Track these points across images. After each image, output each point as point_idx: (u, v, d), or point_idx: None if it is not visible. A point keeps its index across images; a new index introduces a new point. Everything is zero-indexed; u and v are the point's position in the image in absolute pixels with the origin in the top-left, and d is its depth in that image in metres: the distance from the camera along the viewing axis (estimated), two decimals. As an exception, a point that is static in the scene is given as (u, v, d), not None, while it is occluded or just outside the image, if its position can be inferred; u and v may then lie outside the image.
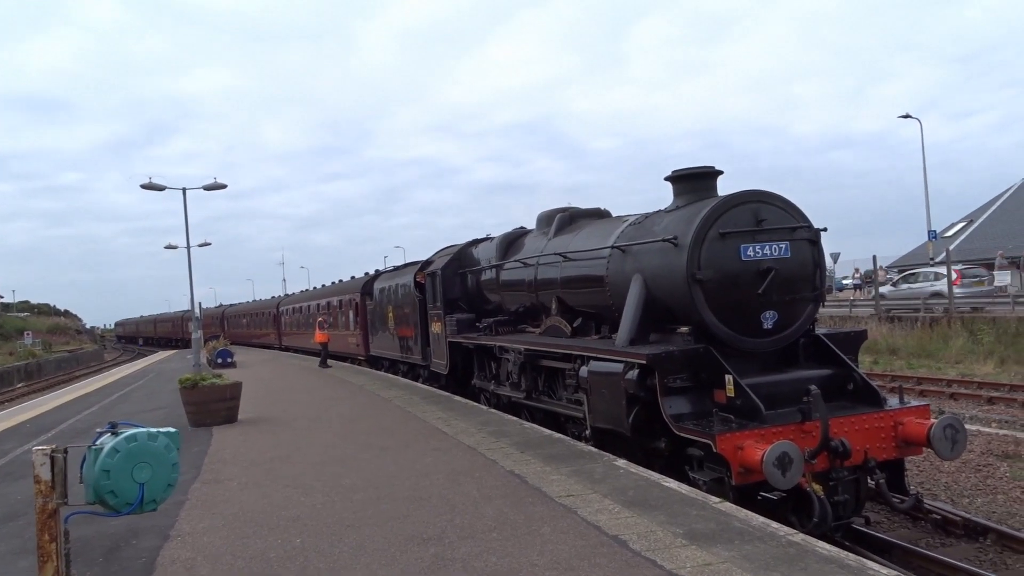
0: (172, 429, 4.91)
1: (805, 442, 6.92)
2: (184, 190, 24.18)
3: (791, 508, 7.05)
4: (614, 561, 4.95)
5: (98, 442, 4.70)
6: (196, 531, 6.31)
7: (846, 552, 5.08)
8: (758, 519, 5.75)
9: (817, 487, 6.98)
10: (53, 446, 4.46)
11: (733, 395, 7.45)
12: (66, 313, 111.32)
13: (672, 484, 6.86)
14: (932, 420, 7.44)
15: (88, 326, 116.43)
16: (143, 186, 23.16)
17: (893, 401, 7.84)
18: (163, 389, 20.94)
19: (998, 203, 43.96)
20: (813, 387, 7.06)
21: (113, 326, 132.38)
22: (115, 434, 4.73)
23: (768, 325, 8.04)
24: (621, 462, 7.79)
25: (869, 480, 7.40)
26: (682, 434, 7.46)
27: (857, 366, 8.35)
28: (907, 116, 40.55)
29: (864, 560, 4.93)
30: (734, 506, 6.16)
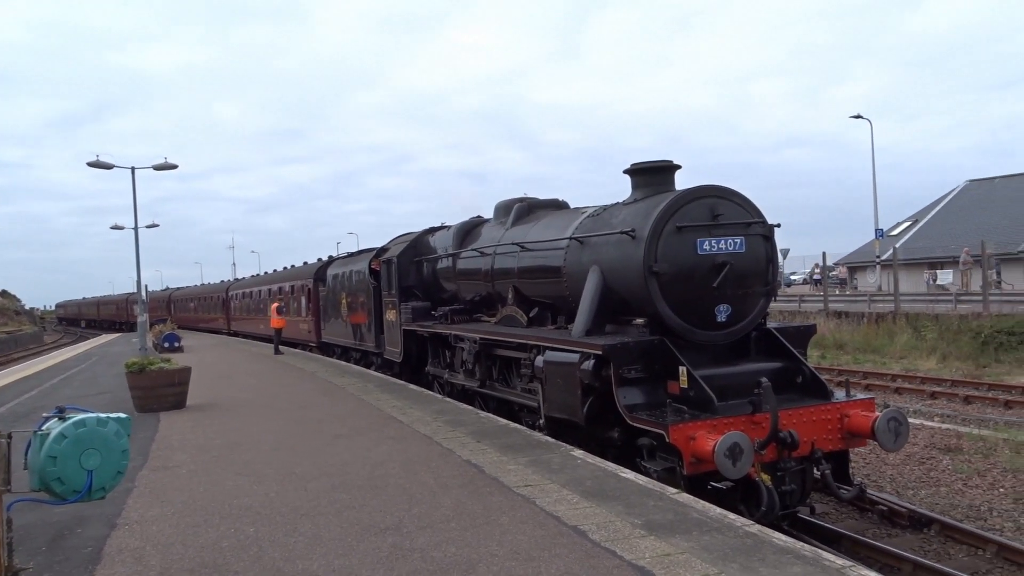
0: (122, 415, 4.76)
1: (755, 433, 7.05)
2: (133, 169, 23.55)
3: (740, 497, 7.18)
4: (574, 551, 4.94)
5: (44, 427, 4.54)
6: (145, 519, 6.14)
7: (802, 543, 5.15)
8: (715, 510, 5.79)
9: (765, 477, 7.12)
10: (-4, 431, 4.28)
11: (686, 386, 7.57)
12: (4, 293, 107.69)
13: (629, 475, 6.88)
14: (877, 413, 7.62)
15: (28, 307, 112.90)
16: (90, 164, 22.48)
17: (840, 394, 8.03)
18: (107, 373, 20.42)
19: (941, 204, 45.14)
20: (764, 380, 7.20)
21: (54, 308, 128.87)
22: (62, 419, 4.57)
23: (722, 318, 8.17)
24: (578, 452, 7.80)
25: (815, 470, 7.56)
26: (636, 424, 7.53)
27: (806, 360, 8.52)
28: (858, 117, 41.37)
29: (819, 551, 5.00)
30: (691, 497, 6.20)
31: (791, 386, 8.13)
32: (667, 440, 7.00)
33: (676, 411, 7.46)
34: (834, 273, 43.77)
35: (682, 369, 7.61)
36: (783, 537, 5.19)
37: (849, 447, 7.91)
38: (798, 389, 8.12)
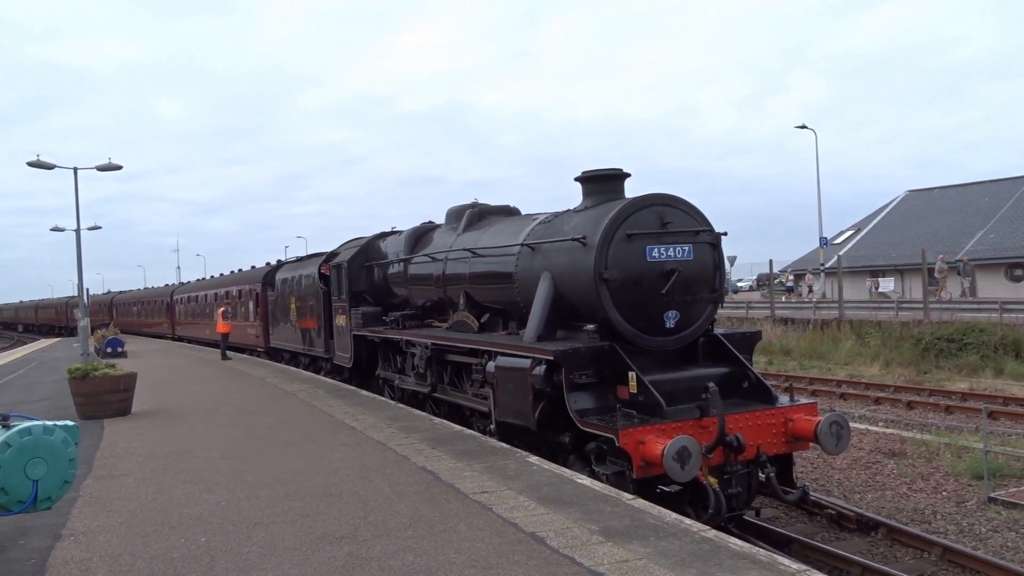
0: (70, 422, 4.64)
1: (703, 437, 7.19)
2: (75, 170, 22.89)
3: (688, 500, 7.30)
4: (533, 559, 4.93)
5: (-13, 435, 4.38)
6: (91, 530, 5.95)
7: (757, 548, 5.21)
8: (671, 515, 5.83)
9: (712, 480, 7.26)
10: (-64, 440, 4.11)
11: (636, 391, 7.69)
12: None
13: (585, 481, 6.90)
14: (819, 417, 7.82)
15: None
16: (30, 164, 21.76)
17: (784, 399, 8.22)
18: (46, 379, 19.83)
19: (883, 214, 46.35)
20: (711, 384, 7.34)
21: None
22: (6, 427, 4.44)
23: (670, 324, 8.33)
24: (534, 459, 7.80)
25: (760, 473, 7.71)
26: (587, 429, 7.63)
27: (752, 365, 8.70)
28: (803, 127, 42.25)
29: (775, 555, 5.07)
30: (647, 503, 6.24)
31: (737, 391, 8.30)
32: (617, 444, 7.10)
33: (626, 416, 7.54)
34: (789, 282, 44.17)
35: (632, 374, 7.73)
36: (739, 542, 5.25)
37: (793, 450, 8.09)
38: (744, 394, 8.29)
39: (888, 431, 13.55)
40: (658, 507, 6.11)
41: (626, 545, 5.13)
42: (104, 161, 23.36)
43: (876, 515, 8.74)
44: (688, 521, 5.72)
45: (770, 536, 7.98)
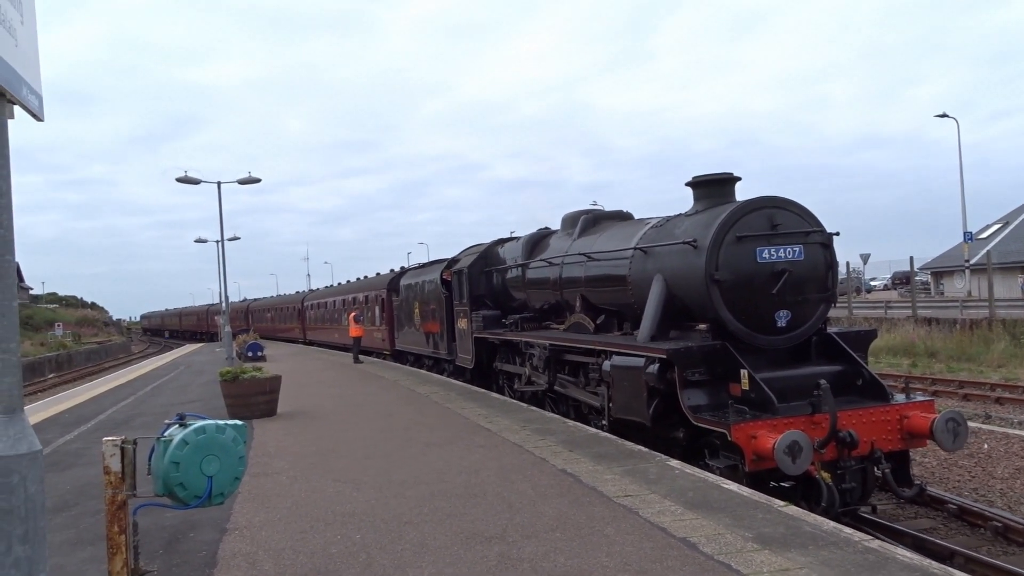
0: (239, 422, 4.84)
1: (815, 432, 7.32)
2: (219, 184, 24.23)
3: (801, 494, 7.36)
4: (688, 564, 4.82)
5: (166, 433, 4.64)
6: (253, 524, 6.24)
7: (929, 560, 4.92)
8: (828, 524, 5.59)
9: (825, 475, 7.31)
10: (123, 437, 4.39)
11: (747, 388, 7.86)
12: (93, 305, 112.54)
13: (732, 486, 6.72)
14: (935, 414, 7.70)
15: (115, 318, 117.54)
16: (179, 180, 23.20)
17: (900, 396, 8.24)
18: (194, 382, 21.03)
19: (1034, 205, 43.25)
20: (823, 381, 7.47)
21: (139, 319, 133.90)
22: (183, 426, 4.67)
23: (782, 323, 8.47)
24: (675, 462, 7.69)
25: (876, 470, 7.68)
26: (700, 424, 7.84)
27: (866, 363, 8.66)
28: (943, 116, 39.91)
29: (949, 569, 4.76)
30: (800, 510, 6.01)
31: (852, 388, 8.33)
32: (729, 439, 7.27)
33: (738, 411, 7.72)
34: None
35: (743, 372, 7.88)
36: (907, 553, 4.98)
37: (909, 447, 8.03)
38: (858, 391, 8.31)
39: (1053, 438, 12.54)
40: (813, 515, 5.89)
41: (784, 553, 4.94)
42: (241, 175, 24.61)
43: (1049, 529, 8.10)
44: (848, 530, 5.46)
45: (929, 548, 7.53)
